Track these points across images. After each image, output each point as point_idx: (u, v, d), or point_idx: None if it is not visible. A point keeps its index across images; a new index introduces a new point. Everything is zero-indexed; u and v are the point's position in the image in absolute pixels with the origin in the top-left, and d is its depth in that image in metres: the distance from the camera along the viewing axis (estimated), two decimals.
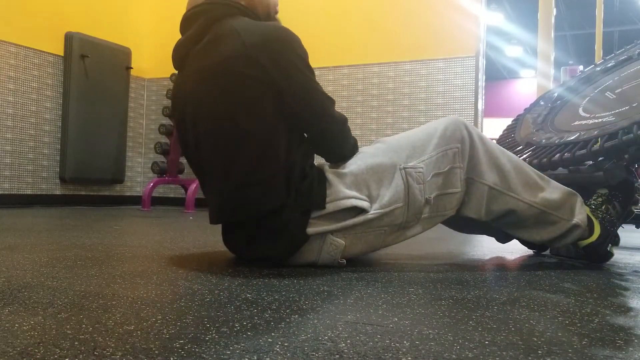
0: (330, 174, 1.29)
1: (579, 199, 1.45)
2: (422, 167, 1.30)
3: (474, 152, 1.36)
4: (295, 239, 1.24)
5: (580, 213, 1.43)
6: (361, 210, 1.25)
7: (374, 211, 1.25)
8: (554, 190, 1.43)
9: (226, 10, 1.27)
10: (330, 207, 1.24)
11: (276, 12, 1.41)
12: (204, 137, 1.26)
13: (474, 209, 1.38)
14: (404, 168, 1.29)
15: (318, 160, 1.30)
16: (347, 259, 1.30)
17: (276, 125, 1.23)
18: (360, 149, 1.39)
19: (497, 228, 1.52)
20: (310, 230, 1.23)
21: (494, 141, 1.53)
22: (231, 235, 1.34)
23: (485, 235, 1.57)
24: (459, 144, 1.34)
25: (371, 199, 1.27)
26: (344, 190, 1.25)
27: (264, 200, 1.22)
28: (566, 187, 1.46)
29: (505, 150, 1.44)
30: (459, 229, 1.67)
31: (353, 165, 1.31)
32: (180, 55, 1.31)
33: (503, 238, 1.71)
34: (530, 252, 1.75)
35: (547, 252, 1.73)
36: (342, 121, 1.34)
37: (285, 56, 1.21)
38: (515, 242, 1.74)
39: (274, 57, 1.19)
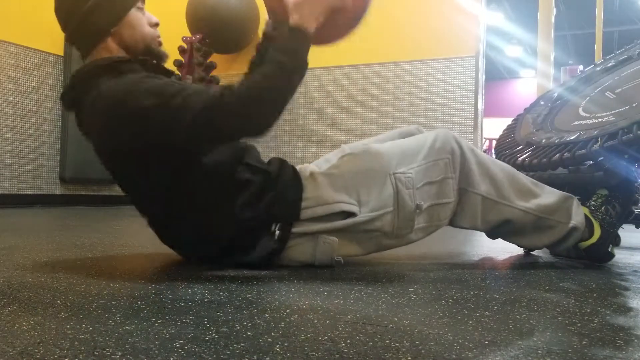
0: (319, 175, 1.29)
1: (575, 201, 1.46)
2: (411, 173, 1.30)
3: (465, 163, 1.36)
4: (270, 250, 1.23)
5: (577, 215, 1.43)
6: (350, 214, 1.25)
7: (362, 215, 1.25)
8: (548, 195, 1.44)
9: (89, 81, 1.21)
10: (318, 210, 1.24)
11: (158, 42, 1.31)
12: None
13: (468, 219, 1.39)
14: (394, 174, 1.29)
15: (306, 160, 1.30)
16: (344, 259, 1.30)
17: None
18: (350, 147, 1.39)
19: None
20: (298, 230, 1.24)
21: (494, 142, 1.54)
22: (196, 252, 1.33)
23: (484, 235, 1.57)
24: (449, 154, 1.34)
25: (360, 204, 1.27)
26: (332, 194, 1.26)
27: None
28: (561, 191, 1.46)
29: (497, 160, 1.44)
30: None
31: (344, 167, 1.31)
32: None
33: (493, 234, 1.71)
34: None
35: (540, 252, 1.73)
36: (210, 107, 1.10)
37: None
38: None
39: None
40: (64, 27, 1.26)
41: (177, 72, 3.83)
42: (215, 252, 1.25)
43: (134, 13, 1.26)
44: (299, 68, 1.16)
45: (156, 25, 1.31)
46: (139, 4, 1.28)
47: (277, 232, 1.22)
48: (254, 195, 1.22)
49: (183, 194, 1.20)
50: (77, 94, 1.23)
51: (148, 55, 1.29)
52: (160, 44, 1.32)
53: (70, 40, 1.28)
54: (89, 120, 1.22)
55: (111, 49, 1.25)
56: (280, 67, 1.14)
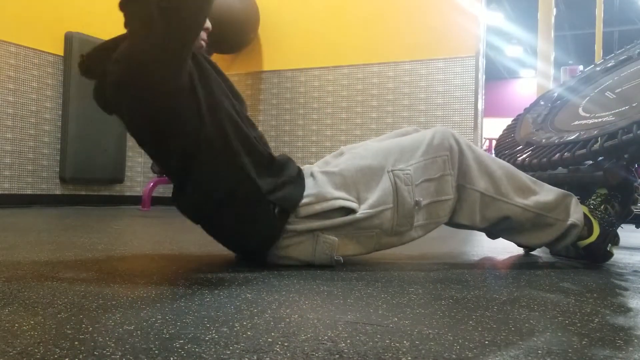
0: (319, 174, 1.30)
1: (574, 199, 1.46)
2: (409, 170, 1.31)
3: (464, 160, 1.36)
4: (266, 231, 1.25)
5: (576, 212, 1.43)
6: (350, 211, 1.26)
7: (362, 211, 1.26)
8: (547, 193, 1.44)
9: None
10: (317, 207, 1.25)
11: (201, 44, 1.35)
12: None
13: (467, 216, 1.39)
14: (392, 170, 1.30)
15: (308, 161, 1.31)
16: (344, 259, 1.30)
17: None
18: (349, 148, 1.39)
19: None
20: (298, 227, 1.24)
21: (494, 142, 1.55)
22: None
23: (483, 235, 1.57)
24: (447, 152, 1.35)
25: (359, 201, 1.28)
26: (331, 191, 1.26)
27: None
28: (560, 189, 1.46)
29: (496, 158, 1.45)
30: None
31: (343, 165, 1.32)
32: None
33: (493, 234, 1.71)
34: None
35: (540, 252, 1.73)
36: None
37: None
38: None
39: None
40: None
41: None
42: (221, 218, 1.26)
43: None
44: None
45: (207, 30, 1.31)
46: None
47: (276, 212, 1.23)
48: (261, 165, 1.23)
49: (194, 143, 1.19)
50: (110, 49, 1.21)
51: None
52: (201, 46, 1.33)
53: (121, 7, 1.25)
54: (117, 72, 1.17)
55: None
56: None
